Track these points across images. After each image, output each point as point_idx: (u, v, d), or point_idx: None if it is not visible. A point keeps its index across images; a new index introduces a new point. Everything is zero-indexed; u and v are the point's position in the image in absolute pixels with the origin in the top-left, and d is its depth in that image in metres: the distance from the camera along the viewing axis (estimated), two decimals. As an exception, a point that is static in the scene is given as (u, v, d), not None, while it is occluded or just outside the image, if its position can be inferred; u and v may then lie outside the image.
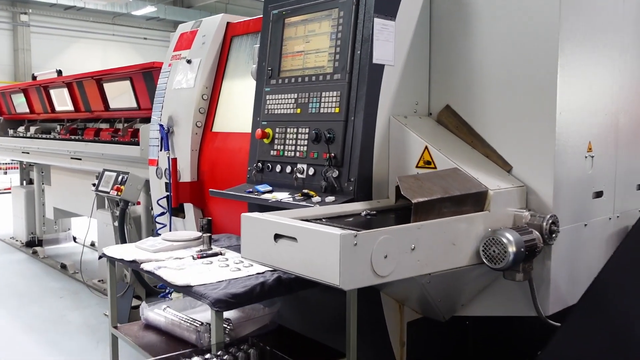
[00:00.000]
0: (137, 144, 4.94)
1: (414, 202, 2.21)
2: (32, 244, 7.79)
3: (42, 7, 21.39)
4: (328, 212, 2.57)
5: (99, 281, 6.02)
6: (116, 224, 5.17)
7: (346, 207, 2.65)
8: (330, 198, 2.74)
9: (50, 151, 6.61)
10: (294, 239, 2.10)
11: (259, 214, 2.32)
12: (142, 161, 4.75)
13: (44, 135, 7.01)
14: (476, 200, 2.46)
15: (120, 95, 5.58)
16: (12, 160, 9.87)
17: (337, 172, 2.80)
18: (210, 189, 3.35)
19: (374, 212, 2.65)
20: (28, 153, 7.27)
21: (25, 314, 5.42)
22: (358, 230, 1.99)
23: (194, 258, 2.83)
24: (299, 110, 3.03)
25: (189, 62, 4.10)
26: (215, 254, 2.92)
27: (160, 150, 4.23)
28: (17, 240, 8.09)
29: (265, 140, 3.17)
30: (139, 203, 5.29)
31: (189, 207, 4.10)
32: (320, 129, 2.88)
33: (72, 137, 6.34)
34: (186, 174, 4.04)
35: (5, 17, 21.13)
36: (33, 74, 7.81)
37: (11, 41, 21.28)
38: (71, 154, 6.16)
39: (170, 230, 4.20)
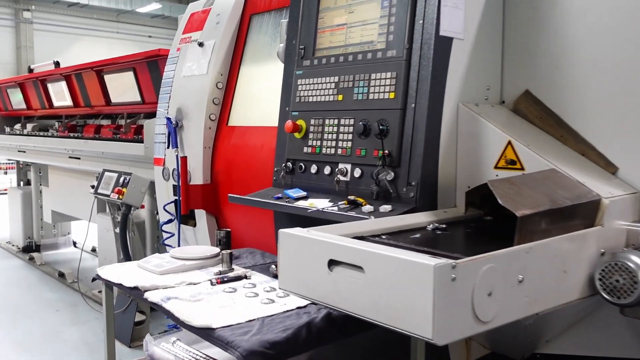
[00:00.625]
0: (141, 141, 4.33)
1: (520, 216, 1.59)
2: (30, 249, 7.18)
3: (45, 3, 20.78)
4: (386, 225, 1.95)
5: (100, 292, 5.40)
6: (117, 230, 4.56)
7: (408, 218, 2.04)
8: (386, 207, 2.12)
9: (47, 150, 6.00)
10: (358, 268, 1.48)
11: (304, 230, 1.70)
12: (147, 160, 4.13)
13: (41, 133, 6.40)
14: (587, 212, 1.84)
15: (123, 89, 4.97)
16: (9, 160, 9.28)
17: (392, 173, 2.18)
18: (229, 194, 2.73)
19: (443, 225, 2.03)
20: (24, 152, 6.66)
21: (17, 330, 4.81)
22: (455, 259, 1.37)
23: (212, 283, 2.22)
24: (340, 97, 2.41)
25: (200, 45, 3.48)
26: (239, 278, 2.30)
27: (167, 147, 3.61)
28: (13, 245, 7.48)
29: (297, 135, 2.55)
30: (143, 207, 4.67)
31: (200, 214, 3.49)
32: (370, 120, 2.26)
33: (71, 134, 5.73)
34: (198, 176, 3.42)
35: (8, 14, 20.53)
36: (29, 67, 7.19)
37: (13, 38, 20.69)
38: (69, 152, 5.55)
39: (178, 241, 3.58)
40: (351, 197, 2.23)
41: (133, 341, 4.36)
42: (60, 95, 6.01)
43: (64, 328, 4.83)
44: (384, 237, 1.88)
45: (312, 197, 2.41)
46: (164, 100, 3.72)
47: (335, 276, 1.54)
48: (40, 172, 6.99)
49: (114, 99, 5.17)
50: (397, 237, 1.86)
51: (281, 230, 1.72)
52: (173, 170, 3.57)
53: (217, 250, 2.60)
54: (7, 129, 7.25)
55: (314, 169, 2.49)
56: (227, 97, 3.42)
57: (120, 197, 4.24)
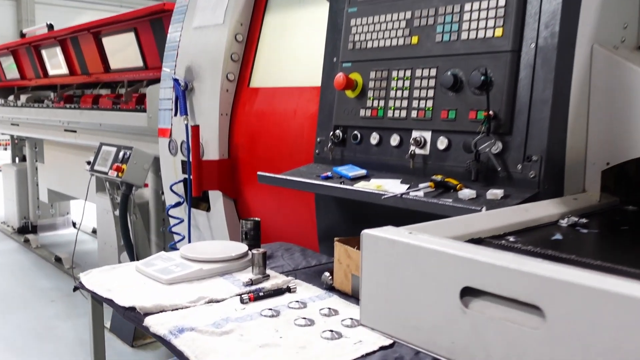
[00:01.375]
0: (144, 110, 3.63)
1: None
2: (25, 229, 6.52)
3: (48, -24, 19.90)
4: (507, 221, 1.27)
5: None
6: (117, 212, 3.89)
7: (534, 209, 1.35)
8: (496, 192, 1.43)
9: (40, 122, 5.31)
10: (530, 307, 0.80)
11: (405, 232, 1.02)
12: (150, 133, 3.44)
13: (35, 105, 5.70)
14: None
15: (123, 53, 4.26)
16: (2, 133, 8.57)
17: (499, 144, 1.49)
18: (258, 173, 2.04)
19: (583, 219, 1.35)
20: (17, 125, 5.97)
21: (7, 324, 4.17)
22: None
23: (243, 300, 1.54)
24: (415, 39, 1.71)
25: (215, -12, 2.76)
26: (280, 291, 1.62)
27: (175, 115, 2.91)
28: (8, 226, 6.82)
29: (350, 93, 1.86)
30: (146, 185, 3.99)
31: (216, 197, 2.81)
32: (463, 70, 1.57)
33: (66, 105, 5.03)
34: (212, 149, 2.73)
35: (9, -13, 19.66)
36: (21, 31, 6.45)
37: (14, 12, 19.83)
38: (64, 124, 4.86)
39: (189, 229, 2.90)
40: (437, 178, 1.54)
41: (136, 339, 3.73)
42: (55, 62, 5.31)
43: (58, 322, 4.18)
44: (511, 239, 1.20)
45: (375, 177, 1.72)
46: (170, 59, 3.01)
47: (477, 317, 0.86)
48: (35, 148, 6.30)
49: (114, 65, 4.47)
50: (533, 240, 1.18)
51: (365, 232, 1.04)
52: (182, 143, 2.88)
53: (243, 248, 1.92)
54: (1, 101, 6.55)
55: (374, 138, 1.80)
56: (249, 52, 2.71)
57: (120, 174, 3.56)
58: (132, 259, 3.82)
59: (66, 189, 5.78)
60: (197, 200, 2.93)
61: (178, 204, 2.95)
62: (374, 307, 1.03)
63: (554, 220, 1.35)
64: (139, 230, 3.96)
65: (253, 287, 1.66)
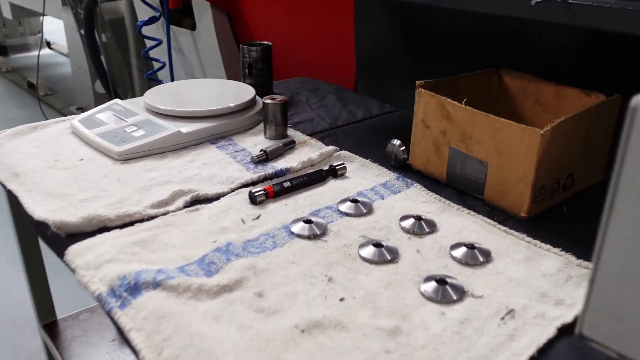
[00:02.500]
0: None
1: None
2: (-6, 51, 5.63)
3: None
4: None
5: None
6: (83, 31, 3.03)
7: None
8: None
9: None
10: None
11: None
12: None
13: None
14: None
15: None
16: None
17: None
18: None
19: None
20: None
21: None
22: None
23: (255, 199, 0.81)
24: None
25: None
26: (319, 177, 0.89)
27: None
28: (-26, 47, 5.89)
29: None
30: (119, -3, 3.08)
31: (202, 9, 1.96)
32: None
33: None
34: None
35: None
36: None
37: None
38: None
39: (169, 52, 2.10)
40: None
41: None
42: None
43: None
44: None
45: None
46: None
47: None
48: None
49: None
50: None
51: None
52: None
53: (249, 92, 1.15)
54: None
55: None
56: None
57: (77, -20, 2.64)
58: (106, 88, 3.04)
59: (29, 2, 4.79)
60: (179, 14, 2.09)
61: (153, 20, 2.11)
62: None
63: None
64: (112, 53, 3.12)
65: (269, 169, 0.93)
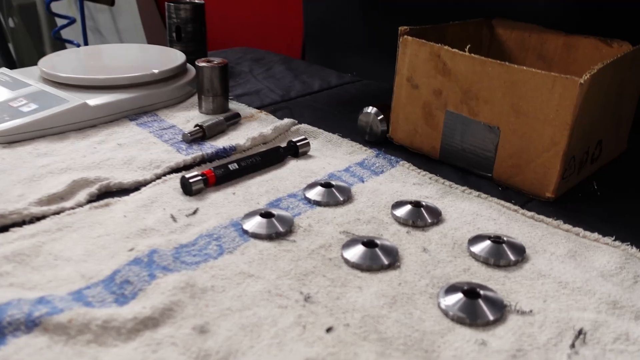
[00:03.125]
0: None
1: None
2: None
3: None
4: None
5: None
6: (-14, 17, 2.66)
7: None
8: None
9: None
10: None
11: None
12: None
13: None
14: None
15: None
16: None
17: None
18: None
19: None
20: None
21: None
22: None
23: (189, 188, 0.58)
24: None
25: None
26: (276, 155, 0.66)
27: None
28: None
29: None
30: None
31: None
32: None
33: None
34: None
35: None
36: None
37: None
38: None
39: (84, 32, 1.81)
40: None
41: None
42: None
43: None
44: None
45: None
46: None
47: None
48: None
49: None
50: None
51: None
52: None
53: (179, 56, 0.91)
54: None
55: None
56: None
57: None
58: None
59: None
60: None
61: (62, -6, 1.81)
62: None
63: None
64: (23, 38, 2.77)
65: (208, 148, 0.70)
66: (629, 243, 0.53)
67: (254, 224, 0.54)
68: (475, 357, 0.40)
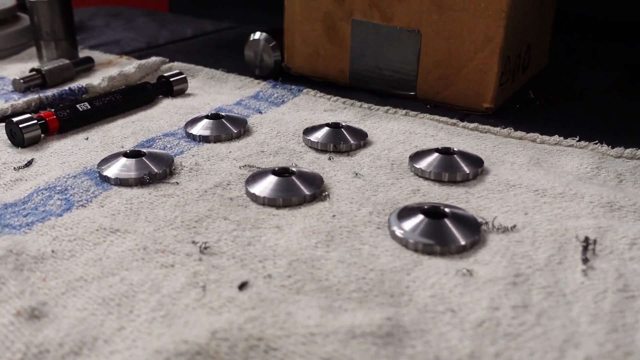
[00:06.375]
0: None
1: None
2: None
3: None
4: None
5: None
6: None
7: None
8: None
9: None
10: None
11: None
12: None
13: None
14: None
15: None
16: None
17: None
18: None
19: None
20: None
21: None
22: None
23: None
24: None
25: None
26: (125, 102, 0.50)
27: None
28: None
29: None
30: None
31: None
32: None
33: None
34: None
35: None
36: None
37: None
38: None
39: None
40: None
41: None
42: None
43: None
44: None
45: None
46: None
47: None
48: None
49: None
50: None
51: None
52: None
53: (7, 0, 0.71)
54: None
55: None
56: None
57: None
58: None
59: None
60: None
61: None
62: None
63: None
64: None
65: (49, 92, 0.52)
66: (597, 142, 0.43)
67: (118, 167, 0.38)
68: (462, 292, 0.27)
